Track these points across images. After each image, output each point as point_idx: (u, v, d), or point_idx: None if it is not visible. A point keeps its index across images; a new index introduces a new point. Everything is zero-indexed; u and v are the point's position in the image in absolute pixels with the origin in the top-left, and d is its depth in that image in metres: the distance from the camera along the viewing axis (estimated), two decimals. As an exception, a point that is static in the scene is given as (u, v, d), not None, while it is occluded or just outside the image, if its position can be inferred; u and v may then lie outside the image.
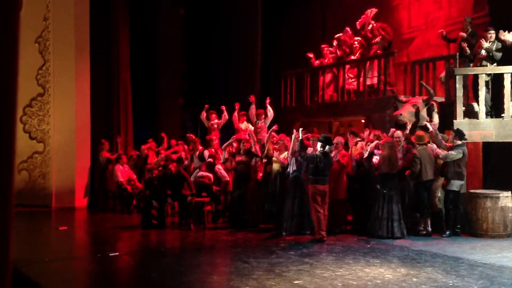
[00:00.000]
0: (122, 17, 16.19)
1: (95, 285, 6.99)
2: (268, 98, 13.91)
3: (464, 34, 11.31)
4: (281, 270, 7.15)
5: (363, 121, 13.47)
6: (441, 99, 11.69)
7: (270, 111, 13.62)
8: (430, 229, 9.99)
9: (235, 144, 12.32)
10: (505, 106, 10.36)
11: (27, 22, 15.20)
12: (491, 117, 10.79)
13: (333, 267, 7.34)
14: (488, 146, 11.26)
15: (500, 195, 9.88)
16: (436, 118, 11.03)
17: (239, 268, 7.26)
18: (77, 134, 14.90)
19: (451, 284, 6.42)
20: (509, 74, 10.24)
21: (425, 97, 11.37)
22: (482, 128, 10.54)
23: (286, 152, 10.76)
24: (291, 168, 10.23)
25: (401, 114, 11.15)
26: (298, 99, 15.09)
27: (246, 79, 17.54)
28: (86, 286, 7.05)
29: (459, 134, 10.05)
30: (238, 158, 11.47)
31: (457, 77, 10.62)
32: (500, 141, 10.56)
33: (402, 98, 11.75)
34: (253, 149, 11.41)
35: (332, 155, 10.21)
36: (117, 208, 14.05)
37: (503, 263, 7.64)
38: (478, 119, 10.64)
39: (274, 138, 11.44)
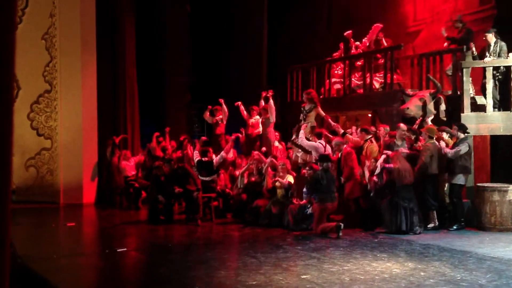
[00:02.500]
0: (128, 13, 16.18)
1: (103, 281, 7.02)
2: (270, 91, 13.70)
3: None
4: (289, 265, 7.16)
5: (370, 115, 13.44)
6: (448, 92, 11.64)
7: (271, 106, 13.49)
8: (437, 222, 9.95)
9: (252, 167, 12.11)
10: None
11: (34, 19, 15.27)
12: (499, 110, 10.73)
13: (340, 261, 7.34)
14: (496, 139, 11.21)
15: (508, 188, 9.83)
16: (442, 109, 11.00)
17: (247, 263, 7.27)
18: (84, 131, 14.93)
19: (459, 278, 6.41)
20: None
21: (432, 91, 11.33)
22: (490, 121, 10.49)
23: (290, 176, 10.80)
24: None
25: (408, 108, 11.12)
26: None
27: (252, 74, 17.51)
28: (94, 282, 7.08)
29: (462, 128, 10.01)
30: (252, 179, 11.43)
31: (464, 70, 10.56)
32: (508, 134, 10.50)
33: (409, 91, 11.71)
34: (264, 171, 11.34)
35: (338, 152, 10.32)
36: (124, 204, 14.08)
37: (511, 257, 7.61)
38: (485, 112, 10.59)
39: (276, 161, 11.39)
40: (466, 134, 10.03)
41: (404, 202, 9.55)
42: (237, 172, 12.08)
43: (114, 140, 14.72)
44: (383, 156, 9.91)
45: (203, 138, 14.32)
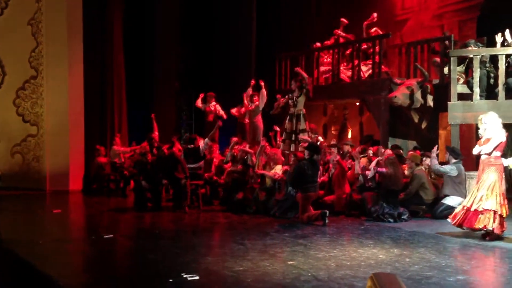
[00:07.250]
0: (116, -1, 16.07)
1: (90, 267, 7.00)
2: (261, 81, 13.82)
3: None
4: (276, 251, 7.19)
5: (358, 103, 13.47)
6: (436, 81, 11.68)
7: (263, 94, 13.58)
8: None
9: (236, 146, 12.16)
10: (499, 88, 10.33)
11: (20, 4, 15.12)
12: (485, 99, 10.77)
13: (326, 248, 7.37)
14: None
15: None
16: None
17: (234, 250, 7.29)
18: (70, 117, 14.85)
19: (443, 264, 6.46)
20: (503, 56, 10.19)
21: (419, 79, 11.38)
22: (476, 110, 10.49)
23: (279, 166, 10.78)
24: None
25: (395, 97, 11.18)
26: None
27: (241, 62, 17.44)
28: (80, 267, 7.06)
29: (454, 154, 9.88)
30: (234, 168, 11.43)
31: (452, 58, 10.58)
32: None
33: (397, 80, 11.75)
34: (249, 161, 11.33)
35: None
36: (111, 191, 14.04)
37: (495, 244, 7.68)
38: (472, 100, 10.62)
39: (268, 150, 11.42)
40: (459, 159, 9.79)
41: (388, 206, 9.58)
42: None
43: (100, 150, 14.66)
44: (376, 159, 9.94)
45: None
